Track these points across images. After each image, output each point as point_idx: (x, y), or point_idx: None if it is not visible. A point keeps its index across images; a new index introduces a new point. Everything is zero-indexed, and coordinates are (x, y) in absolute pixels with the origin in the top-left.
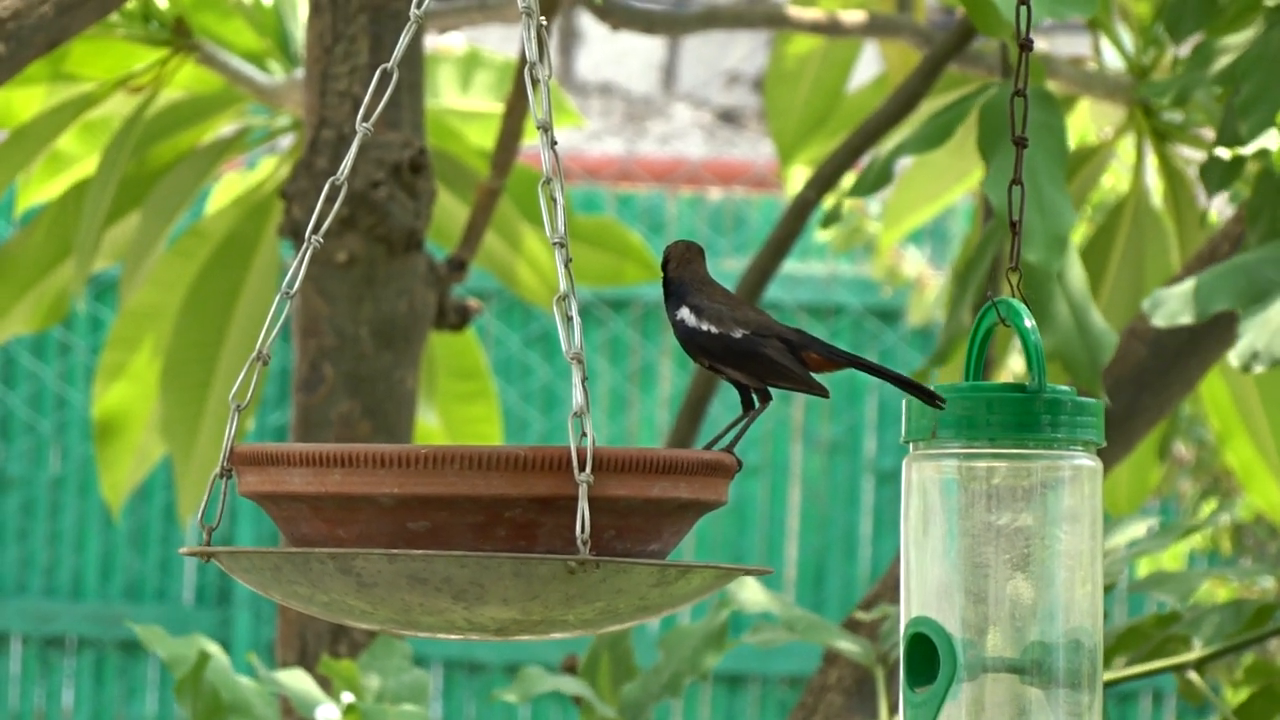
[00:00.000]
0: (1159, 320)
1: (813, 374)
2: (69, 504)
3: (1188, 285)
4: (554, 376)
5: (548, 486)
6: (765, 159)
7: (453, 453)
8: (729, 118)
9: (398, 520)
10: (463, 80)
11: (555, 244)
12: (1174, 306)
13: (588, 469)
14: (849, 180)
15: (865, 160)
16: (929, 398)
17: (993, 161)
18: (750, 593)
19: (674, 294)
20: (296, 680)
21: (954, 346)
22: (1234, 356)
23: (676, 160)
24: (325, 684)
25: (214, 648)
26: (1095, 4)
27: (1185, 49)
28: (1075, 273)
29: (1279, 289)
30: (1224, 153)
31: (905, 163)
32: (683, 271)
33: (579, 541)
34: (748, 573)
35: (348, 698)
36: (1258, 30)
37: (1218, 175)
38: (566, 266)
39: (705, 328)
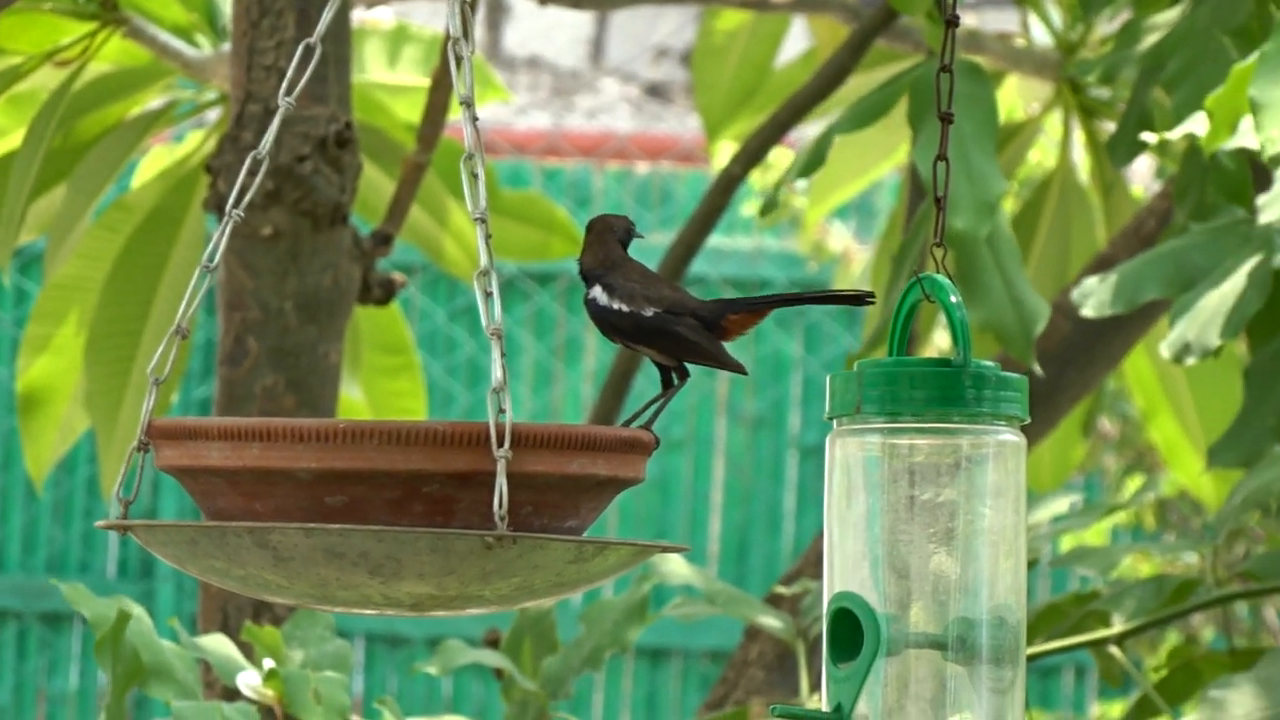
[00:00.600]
0: (1089, 311)
1: (742, 331)
2: None
3: (1115, 276)
4: (479, 350)
5: (466, 462)
6: (692, 134)
7: (370, 428)
8: (656, 92)
9: (315, 494)
10: (390, 55)
11: (476, 219)
12: (1102, 297)
13: (506, 445)
14: (777, 157)
15: (794, 138)
16: (858, 299)
17: (921, 133)
18: (673, 566)
19: (587, 272)
20: (219, 646)
21: (888, 327)
22: (1165, 348)
23: (604, 134)
24: (248, 652)
25: (137, 609)
26: None
27: (1114, 25)
28: (1006, 243)
29: (1206, 276)
30: (1150, 137)
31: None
32: (597, 250)
33: (496, 517)
34: (664, 550)
35: (269, 664)
36: (1184, 8)
37: (1124, 149)
38: (487, 242)
39: (616, 306)
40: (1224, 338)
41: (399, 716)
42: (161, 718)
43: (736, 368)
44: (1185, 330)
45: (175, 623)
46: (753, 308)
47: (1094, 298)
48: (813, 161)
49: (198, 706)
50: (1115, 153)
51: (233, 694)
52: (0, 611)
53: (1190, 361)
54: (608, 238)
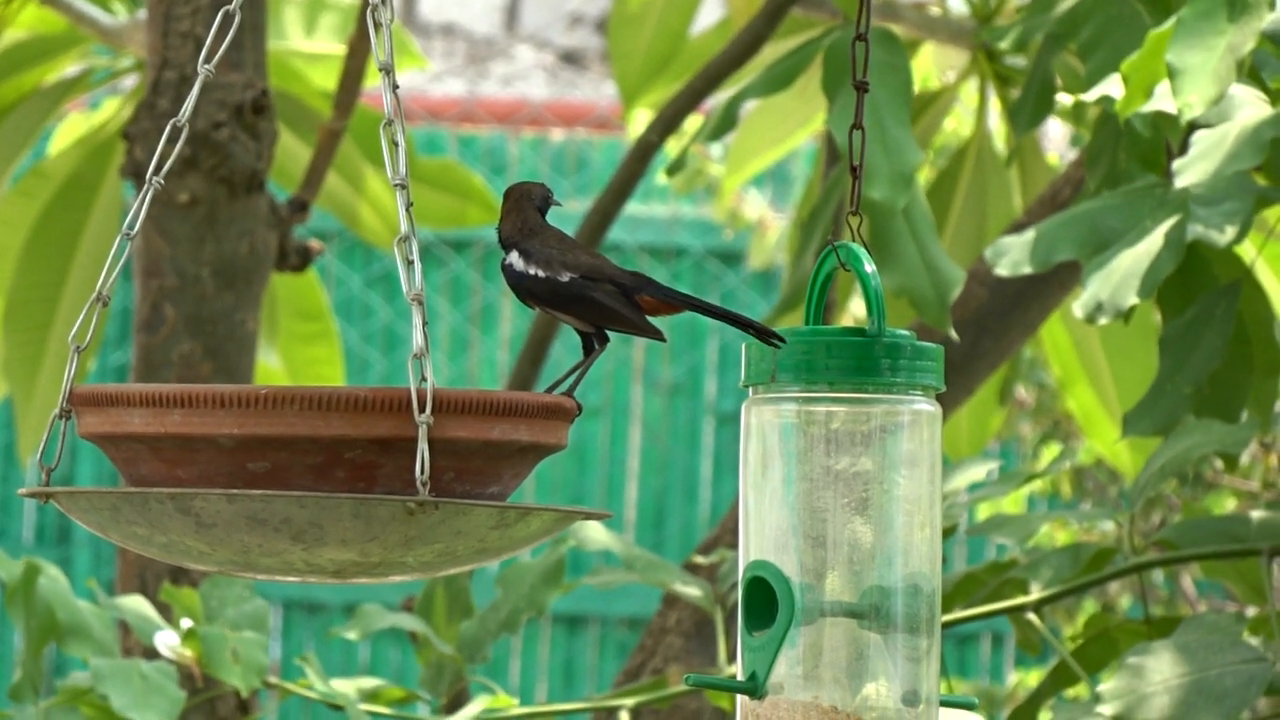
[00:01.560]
0: (1002, 270)
1: (649, 317)
2: None
3: (1030, 235)
4: (395, 317)
5: (388, 428)
6: (608, 100)
7: (292, 393)
8: (571, 59)
9: (237, 461)
10: (308, 22)
11: (396, 186)
12: (1016, 256)
13: (428, 410)
14: (693, 125)
15: (710, 106)
16: (766, 336)
17: (836, 103)
18: (591, 532)
19: (505, 239)
20: (137, 606)
21: (799, 294)
22: (1078, 307)
23: (519, 101)
24: (166, 615)
25: (52, 569)
26: None
27: None
28: (921, 211)
29: (1121, 238)
30: (1066, 97)
31: (748, 107)
32: (515, 217)
33: (418, 483)
34: (587, 516)
35: (188, 624)
36: None
37: (1027, 115)
38: (408, 209)
39: (532, 271)
40: (1140, 297)
41: (320, 674)
42: (80, 671)
43: (654, 334)
44: (1098, 290)
45: (94, 584)
46: (667, 298)
47: (1008, 257)
48: (722, 124)
49: (116, 664)
50: (1018, 119)
51: (151, 655)
52: None
53: (1103, 321)
54: (525, 205)
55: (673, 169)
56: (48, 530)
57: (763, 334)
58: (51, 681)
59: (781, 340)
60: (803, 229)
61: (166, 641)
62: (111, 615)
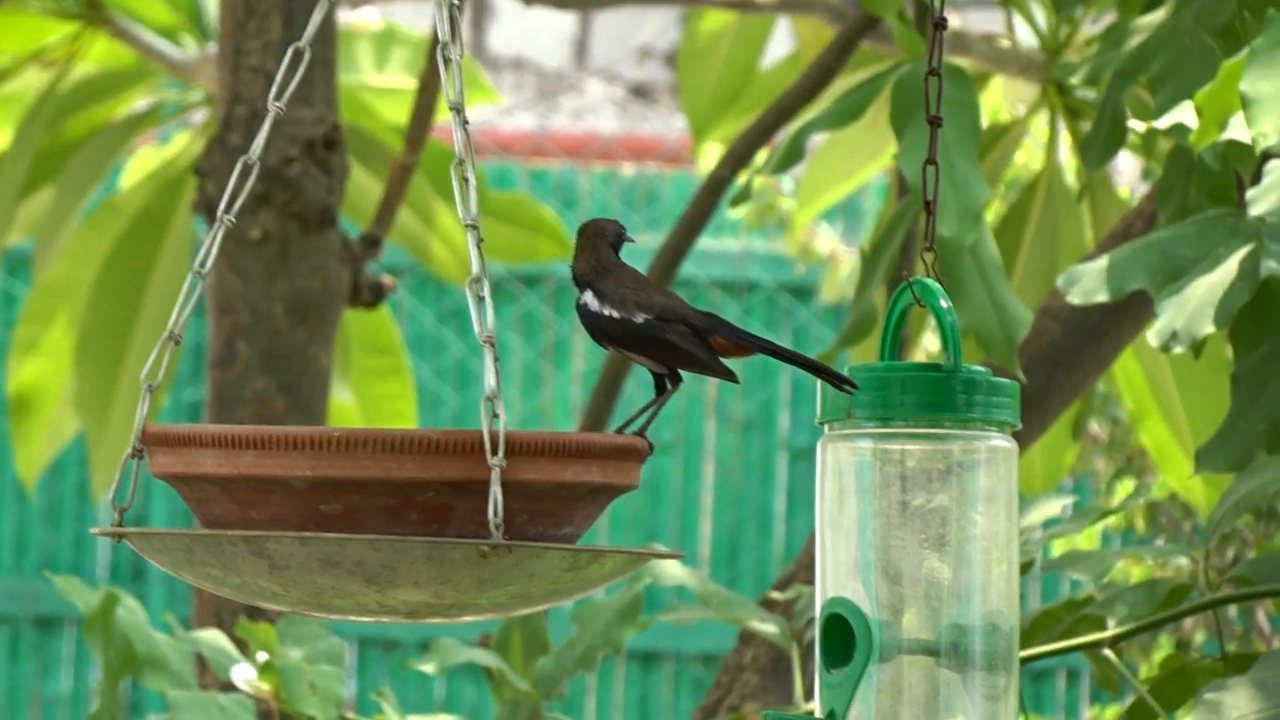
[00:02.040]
0: (1074, 297)
1: (722, 358)
2: None
3: (1103, 262)
4: (468, 352)
5: (460, 470)
6: (678, 134)
7: (365, 435)
8: (641, 93)
9: (310, 502)
10: (379, 57)
11: (468, 226)
12: (1089, 284)
13: (500, 453)
14: (762, 157)
15: (779, 137)
16: (838, 382)
17: (905, 137)
18: (667, 568)
19: (579, 277)
20: (213, 640)
21: (863, 325)
22: (1152, 336)
23: (589, 135)
24: (242, 650)
25: (130, 601)
26: None
27: (1099, 26)
28: (989, 248)
29: (1194, 267)
30: (1138, 125)
31: (819, 141)
32: (589, 255)
33: (491, 525)
34: (659, 557)
35: (263, 657)
36: (1168, 9)
37: (1096, 150)
38: (479, 248)
39: (607, 312)
40: (1215, 327)
41: (396, 708)
42: (157, 715)
43: (727, 375)
44: (1173, 319)
45: (170, 618)
46: (739, 340)
47: (1080, 285)
48: (789, 156)
49: (193, 696)
50: (1089, 154)
51: (228, 689)
52: None
53: (1178, 351)
54: (599, 242)
55: (738, 200)
56: (122, 568)
57: (835, 379)
58: (128, 717)
59: (854, 386)
60: (866, 262)
61: (243, 675)
62: (188, 649)
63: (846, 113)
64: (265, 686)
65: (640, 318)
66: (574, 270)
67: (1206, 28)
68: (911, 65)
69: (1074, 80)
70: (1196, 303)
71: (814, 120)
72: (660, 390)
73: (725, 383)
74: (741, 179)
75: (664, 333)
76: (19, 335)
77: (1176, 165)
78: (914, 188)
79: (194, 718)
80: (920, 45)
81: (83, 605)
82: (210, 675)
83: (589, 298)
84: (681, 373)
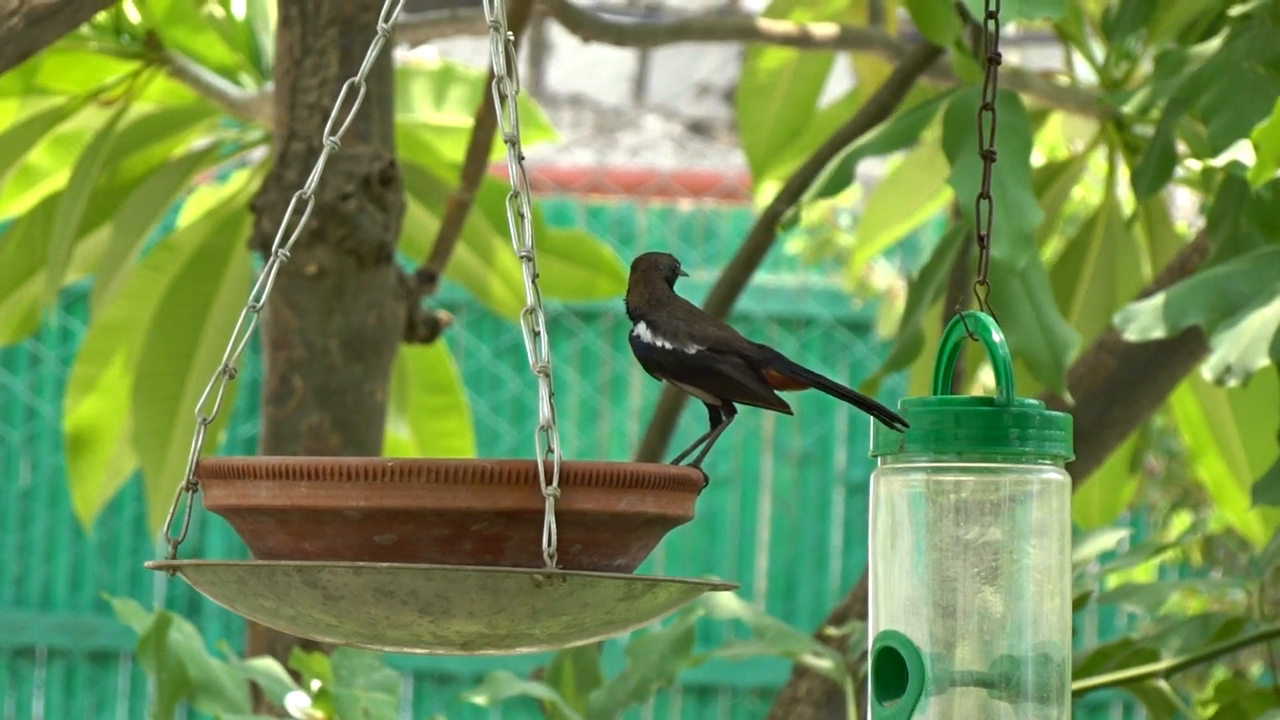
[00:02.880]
0: (1131, 335)
1: (776, 391)
2: (39, 515)
3: (1159, 299)
4: (524, 388)
5: (514, 500)
6: (736, 170)
7: (419, 465)
8: (699, 129)
9: (364, 533)
10: (437, 95)
11: (523, 258)
12: (1146, 321)
13: (554, 483)
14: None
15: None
16: (890, 419)
17: (957, 161)
18: (721, 600)
19: (633, 310)
20: (268, 668)
21: (910, 350)
22: (1207, 370)
23: (647, 172)
24: (296, 681)
25: (188, 628)
26: (1063, 4)
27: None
28: (1038, 273)
29: (1249, 302)
30: (1195, 164)
31: (879, 177)
32: (643, 288)
33: (545, 555)
34: (714, 588)
35: (317, 685)
36: (1223, 39)
37: (1147, 181)
38: (534, 281)
39: (660, 344)
40: (1270, 359)
41: None
42: None
43: (781, 407)
44: (1227, 352)
45: (225, 646)
46: (793, 375)
47: (1137, 322)
48: (837, 180)
49: None
50: (1139, 184)
51: (281, 718)
52: (48, 650)
53: (1232, 383)
54: (653, 276)
55: (788, 224)
56: (178, 602)
57: (888, 417)
58: None
59: (905, 425)
60: (914, 287)
61: (298, 703)
62: (243, 676)
63: (898, 136)
64: (319, 715)
65: (693, 349)
66: (627, 303)
67: (1260, 58)
68: (964, 90)
69: (1127, 109)
70: (1251, 336)
71: (865, 145)
72: (715, 423)
73: (782, 417)
74: (805, 218)
75: (717, 364)
76: (77, 374)
77: (1228, 194)
78: (967, 215)
79: None
80: (977, 72)
81: (138, 627)
82: (265, 704)
83: (642, 329)
84: (737, 406)
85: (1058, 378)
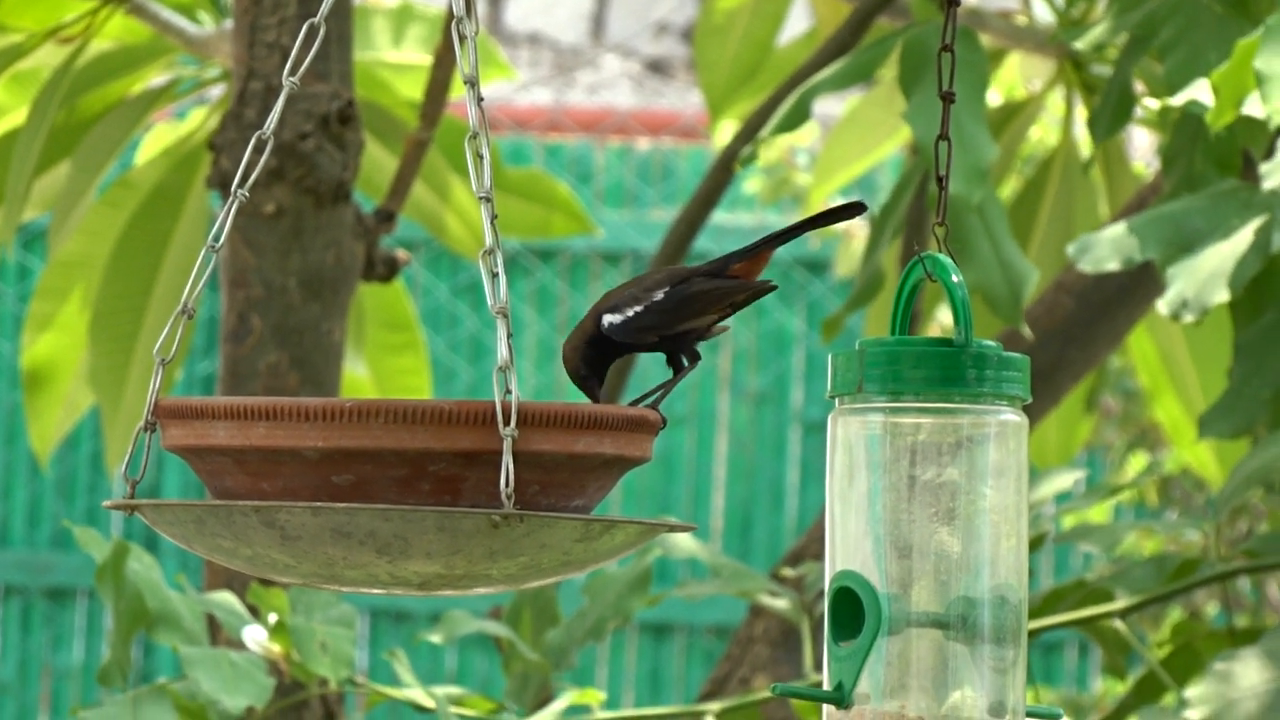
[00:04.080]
0: (1085, 265)
1: (748, 278)
2: None
3: (1114, 231)
4: (482, 326)
5: (472, 441)
6: (694, 109)
7: (377, 406)
8: (657, 68)
9: (322, 473)
10: (395, 33)
11: (481, 199)
12: (1100, 252)
13: (512, 424)
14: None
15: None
16: (850, 211)
17: (914, 98)
18: (678, 540)
19: (589, 324)
20: (226, 601)
21: (872, 288)
22: (1163, 305)
23: (605, 110)
24: (254, 616)
25: (147, 558)
26: None
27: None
28: (996, 208)
29: (1206, 238)
30: (1153, 103)
31: (834, 114)
32: (579, 332)
33: (503, 496)
34: (672, 529)
35: (274, 619)
36: None
37: (1105, 123)
38: (492, 222)
39: (631, 312)
40: (1228, 295)
41: (408, 668)
42: (169, 678)
43: (766, 287)
44: (1184, 288)
45: (182, 578)
46: (752, 253)
47: (1091, 253)
48: (793, 118)
49: (206, 652)
50: (1097, 127)
51: (239, 651)
52: (5, 587)
53: (1188, 319)
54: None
55: (745, 162)
56: (135, 540)
57: (845, 212)
58: (141, 677)
59: (863, 207)
60: (874, 226)
61: (255, 636)
62: (201, 608)
63: (854, 73)
64: (276, 648)
65: (659, 294)
66: (578, 352)
67: None
68: (920, 27)
69: (1081, 45)
70: (1208, 272)
71: (821, 81)
72: (677, 369)
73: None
74: (763, 158)
75: (688, 289)
76: (34, 310)
77: (1183, 133)
78: (924, 153)
79: (206, 674)
80: (935, 13)
81: (98, 556)
82: (223, 637)
83: (608, 319)
84: (700, 350)
85: (1016, 312)
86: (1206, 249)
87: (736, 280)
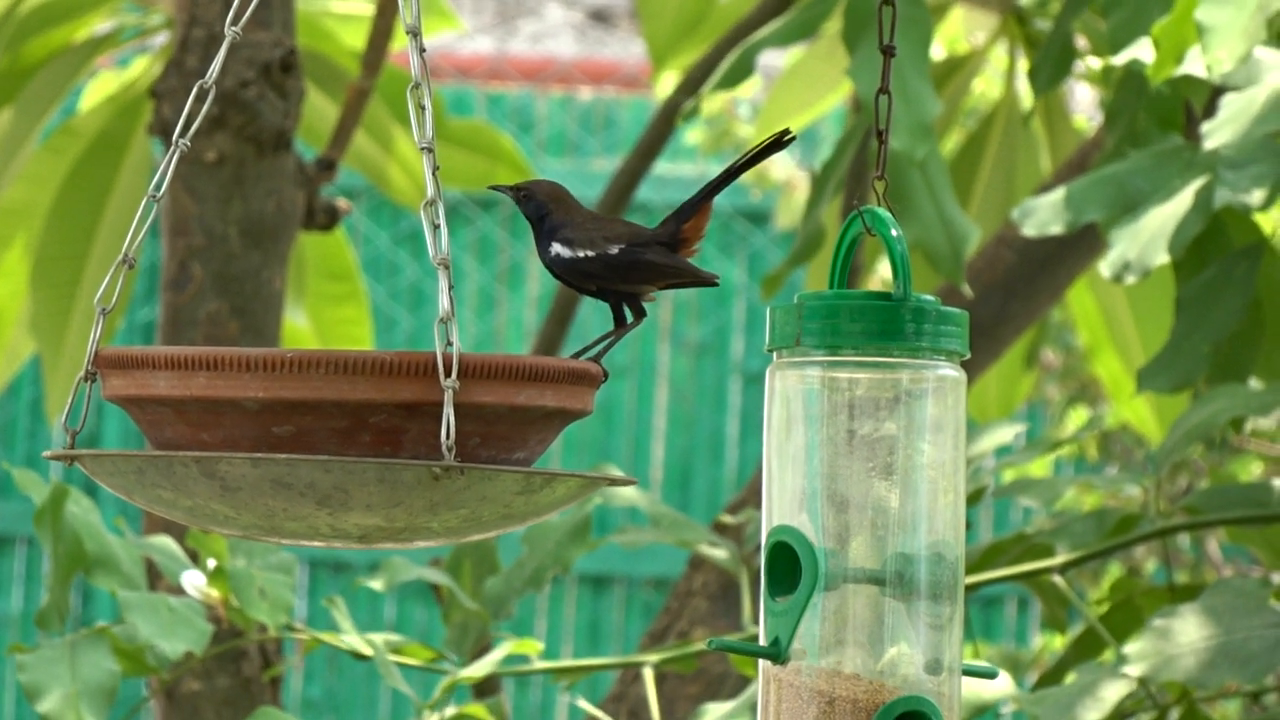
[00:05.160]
0: (1029, 230)
1: (697, 239)
2: None
3: (1058, 195)
4: (423, 275)
5: (413, 392)
6: (636, 59)
7: (318, 357)
8: (600, 17)
9: (262, 424)
10: None
11: (423, 149)
12: (1044, 216)
13: (454, 375)
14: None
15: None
16: (778, 144)
17: (857, 53)
18: (618, 490)
19: (543, 232)
20: (164, 545)
21: (812, 243)
22: (1105, 267)
23: (547, 60)
24: (193, 559)
25: (85, 501)
26: None
27: None
28: (938, 165)
29: (1149, 200)
30: (1095, 62)
31: (777, 66)
32: (560, 211)
33: (444, 447)
34: (612, 482)
35: (213, 564)
36: None
37: (1045, 76)
38: (434, 173)
39: (583, 254)
40: (1169, 256)
41: (348, 618)
42: (107, 621)
43: (710, 279)
44: (1126, 249)
45: (121, 522)
46: (696, 206)
47: (1035, 217)
48: (736, 72)
49: (144, 597)
50: (1037, 78)
51: (178, 595)
52: None
53: (1130, 280)
54: (566, 198)
55: (687, 116)
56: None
57: (773, 145)
58: (79, 621)
59: (791, 135)
60: (816, 182)
61: (193, 581)
62: (139, 552)
63: (798, 29)
64: (215, 593)
65: (614, 249)
66: (545, 220)
67: None
68: None
69: (1033, 9)
70: (1150, 234)
71: (766, 37)
72: (620, 322)
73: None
74: (705, 109)
75: (642, 255)
76: None
77: (1126, 89)
78: (866, 108)
79: (144, 618)
80: None
81: (36, 498)
82: (162, 583)
83: (558, 247)
84: (645, 307)
85: (957, 269)
86: (1149, 210)
87: (687, 264)
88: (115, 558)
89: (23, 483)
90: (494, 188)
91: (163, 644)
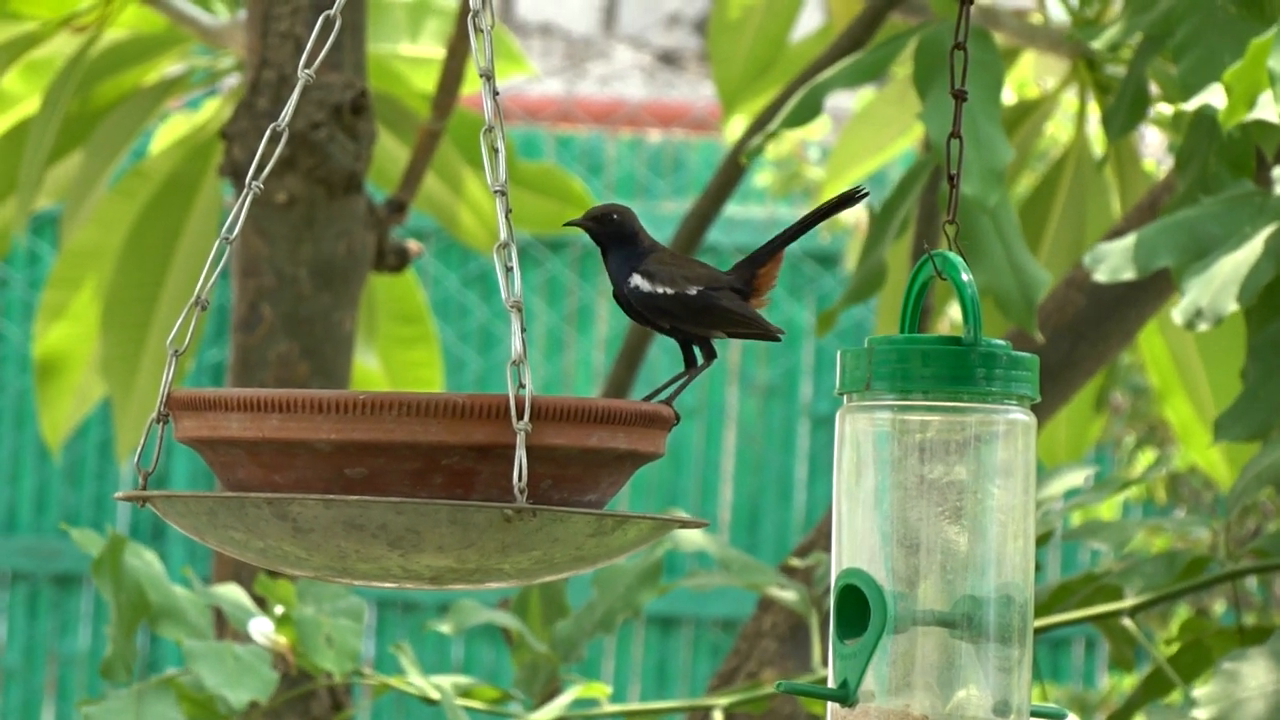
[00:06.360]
0: (1101, 275)
1: (769, 286)
2: (4, 437)
3: (1129, 240)
4: (492, 316)
5: (486, 434)
6: (705, 101)
7: (391, 399)
8: (669, 59)
9: (335, 466)
10: (412, 27)
11: (496, 192)
12: (1116, 262)
13: (526, 417)
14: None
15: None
16: (852, 199)
17: (928, 97)
18: (687, 533)
19: (622, 260)
20: (232, 594)
21: (870, 282)
22: (1178, 314)
23: (616, 102)
24: (262, 608)
25: (148, 555)
26: None
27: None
28: (1008, 211)
29: (1220, 245)
30: (1166, 107)
31: (848, 109)
32: (629, 238)
33: (516, 490)
34: (684, 525)
35: (281, 611)
36: None
37: (1119, 122)
38: (507, 215)
39: (660, 290)
40: (1240, 304)
41: (415, 663)
42: (175, 668)
43: (775, 335)
44: (1198, 296)
45: (189, 571)
46: (770, 253)
47: (1107, 262)
48: (803, 112)
49: (209, 645)
50: (1111, 125)
51: (245, 644)
52: (11, 572)
53: (1203, 328)
54: (638, 226)
55: (752, 154)
56: (142, 527)
57: (848, 200)
58: (145, 672)
59: (866, 192)
60: (876, 221)
61: (261, 629)
62: (205, 602)
63: (866, 70)
64: (282, 640)
65: (693, 290)
66: (611, 249)
67: None
68: (935, 25)
69: (1097, 44)
70: (1221, 280)
71: (833, 77)
72: (690, 363)
73: (749, 349)
74: (774, 152)
75: (717, 300)
76: (47, 300)
77: (1197, 133)
78: (937, 151)
79: (209, 668)
80: (951, 9)
81: (95, 553)
82: (229, 631)
83: (638, 280)
84: (715, 347)
85: (1028, 316)
86: (1220, 257)
87: (757, 315)
88: (180, 608)
89: (82, 542)
90: (571, 223)
91: (228, 693)
